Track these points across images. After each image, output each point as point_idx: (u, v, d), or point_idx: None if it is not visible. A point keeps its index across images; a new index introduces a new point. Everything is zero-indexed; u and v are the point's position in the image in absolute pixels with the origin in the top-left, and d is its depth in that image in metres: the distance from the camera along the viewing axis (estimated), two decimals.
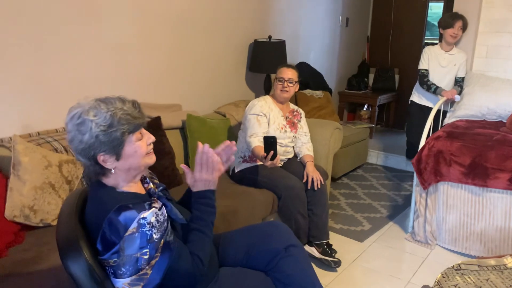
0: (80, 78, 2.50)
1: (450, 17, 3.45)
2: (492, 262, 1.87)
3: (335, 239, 2.95)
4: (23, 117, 2.26)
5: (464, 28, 3.43)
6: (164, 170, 2.48)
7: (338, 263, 2.59)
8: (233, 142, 1.52)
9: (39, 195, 1.92)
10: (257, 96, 3.88)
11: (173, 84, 3.12)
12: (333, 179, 4.05)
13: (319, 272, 2.57)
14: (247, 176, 2.70)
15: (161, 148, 2.52)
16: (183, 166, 1.50)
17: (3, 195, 1.85)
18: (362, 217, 3.32)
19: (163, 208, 1.31)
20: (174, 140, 2.80)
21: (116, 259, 1.18)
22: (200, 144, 1.44)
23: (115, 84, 2.71)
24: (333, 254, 2.63)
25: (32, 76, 2.27)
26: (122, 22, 2.68)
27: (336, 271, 2.59)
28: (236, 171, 2.76)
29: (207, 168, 1.44)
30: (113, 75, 2.69)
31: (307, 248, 2.67)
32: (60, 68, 2.39)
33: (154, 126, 2.57)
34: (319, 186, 2.61)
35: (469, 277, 1.75)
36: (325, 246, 2.64)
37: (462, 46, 3.63)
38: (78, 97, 2.47)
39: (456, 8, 3.61)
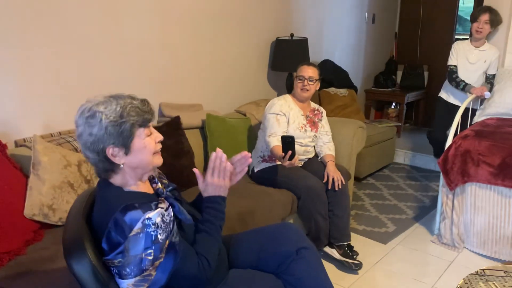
0: (101, 78, 2.53)
1: (477, 11, 3.29)
2: None
3: (358, 241, 2.88)
4: (45, 118, 2.31)
5: (493, 23, 3.25)
6: (183, 170, 2.49)
7: (359, 265, 2.53)
8: (249, 154, 1.51)
9: (58, 194, 1.95)
10: (279, 95, 3.85)
11: (194, 84, 3.13)
12: (358, 179, 3.97)
13: (339, 274, 2.52)
14: (266, 176, 2.67)
15: (180, 147, 2.52)
16: (195, 170, 1.50)
17: (23, 194, 1.89)
18: (387, 218, 3.24)
19: (170, 209, 1.30)
20: (194, 139, 2.80)
21: (120, 259, 1.18)
22: (214, 152, 1.46)
23: (136, 84, 2.73)
24: (355, 256, 2.57)
25: (55, 77, 2.32)
26: (143, 22, 2.70)
27: (357, 273, 2.53)
28: (255, 170, 2.73)
29: (218, 173, 1.44)
30: (135, 75, 2.72)
31: (327, 249, 2.62)
32: (82, 69, 2.43)
33: (173, 125, 2.58)
34: (340, 187, 2.55)
35: (493, 284, 1.66)
36: (346, 248, 2.58)
37: (494, 41, 3.47)
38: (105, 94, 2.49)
39: (487, 1, 3.46)
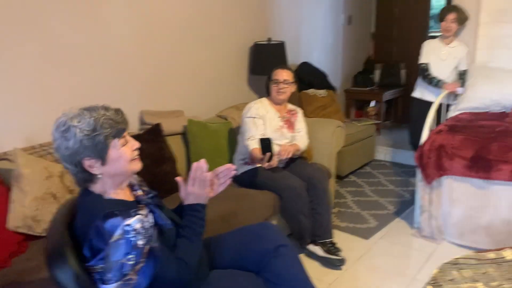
0: (82, 88, 2.56)
1: (444, 10, 3.42)
2: (491, 255, 1.85)
3: (341, 238, 2.95)
4: (26, 130, 2.33)
5: (460, 21, 3.38)
6: (165, 176, 2.52)
7: (342, 262, 2.59)
8: (233, 166, 1.57)
9: (41, 205, 1.98)
10: (259, 98, 3.90)
11: (175, 91, 3.17)
12: (340, 177, 4.05)
13: (323, 270, 2.58)
14: (248, 179, 2.72)
15: (161, 154, 2.56)
16: (178, 179, 1.55)
17: (5, 206, 1.91)
18: (369, 215, 3.31)
19: (150, 215, 1.34)
20: (176, 146, 2.84)
21: (102, 265, 1.22)
22: (201, 161, 1.50)
23: (117, 92, 2.76)
24: (338, 253, 2.63)
25: (34, 89, 2.34)
26: (123, 30, 2.73)
27: (340, 269, 2.59)
28: (238, 173, 2.78)
29: (198, 183, 1.49)
30: (115, 84, 2.75)
31: (311, 247, 2.68)
32: (62, 79, 2.45)
33: (154, 132, 2.62)
34: (289, 156, 2.58)
35: (466, 271, 1.73)
36: (329, 245, 2.64)
37: (464, 37, 3.58)
38: (80, 107, 2.53)
39: None
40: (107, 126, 1.28)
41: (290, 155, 2.59)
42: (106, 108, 1.32)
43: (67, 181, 2.13)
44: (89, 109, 1.30)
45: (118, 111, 1.34)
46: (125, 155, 1.33)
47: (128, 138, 1.37)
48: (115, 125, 1.30)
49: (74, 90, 2.52)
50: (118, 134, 1.32)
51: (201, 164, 1.47)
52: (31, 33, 2.28)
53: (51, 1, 2.35)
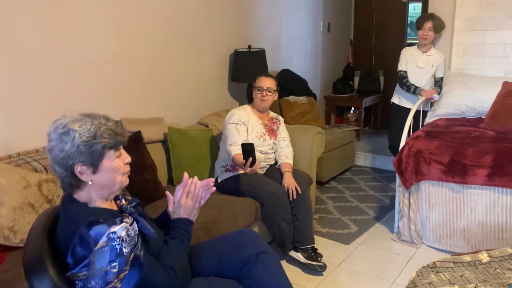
0: (59, 96, 2.53)
1: (421, 18, 3.51)
2: (468, 258, 1.90)
3: (322, 243, 2.97)
4: (2, 139, 2.29)
5: (437, 29, 3.46)
6: (145, 184, 2.51)
7: (323, 267, 2.61)
8: (212, 179, 1.61)
9: (19, 215, 1.94)
10: (240, 105, 3.91)
11: (155, 98, 3.15)
12: (321, 183, 4.08)
13: (305, 276, 2.59)
14: (230, 185, 2.72)
15: (142, 162, 2.54)
16: (167, 193, 1.59)
17: None
18: (349, 220, 3.35)
19: (134, 224, 1.34)
20: (157, 153, 2.83)
21: (85, 272, 1.21)
22: (186, 174, 1.55)
23: (95, 100, 2.73)
24: (319, 259, 2.65)
25: (10, 96, 2.30)
26: (100, 37, 2.71)
27: (322, 275, 2.61)
28: (219, 181, 2.78)
29: (192, 197, 1.53)
30: (94, 91, 2.72)
31: (293, 253, 2.69)
32: (39, 87, 2.42)
33: (135, 140, 2.60)
34: (294, 197, 2.63)
35: (443, 274, 1.77)
36: (311, 251, 2.66)
37: (440, 45, 3.68)
38: (58, 115, 2.50)
39: (431, 8, 3.66)
40: (106, 136, 1.29)
41: (293, 185, 2.64)
42: (106, 118, 1.33)
43: (45, 191, 2.10)
44: (91, 116, 1.31)
45: (118, 123, 1.35)
46: (117, 167, 1.35)
47: (122, 151, 1.38)
48: (115, 136, 1.32)
49: (52, 98, 2.49)
50: (116, 145, 1.33)
51: (195, 180, 1.53)
52: (4, 40, 2.24)
53: (26, 8, 2.32)
